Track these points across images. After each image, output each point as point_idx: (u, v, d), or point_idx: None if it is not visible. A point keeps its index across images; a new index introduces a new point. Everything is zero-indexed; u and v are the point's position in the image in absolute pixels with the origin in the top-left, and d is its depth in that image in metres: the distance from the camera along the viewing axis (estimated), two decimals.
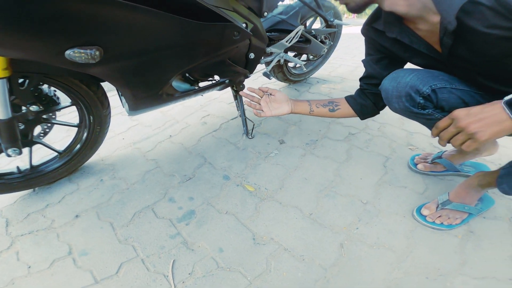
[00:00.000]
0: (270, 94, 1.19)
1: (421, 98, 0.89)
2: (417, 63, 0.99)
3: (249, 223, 1.11)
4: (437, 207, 1.07)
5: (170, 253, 1.01)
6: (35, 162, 1.28)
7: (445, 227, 1.04)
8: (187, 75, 1.35)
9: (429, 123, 0.95)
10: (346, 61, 3.39)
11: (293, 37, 1.67)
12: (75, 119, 1.29)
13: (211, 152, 1.56)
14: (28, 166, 1.23)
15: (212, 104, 2.19)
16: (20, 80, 1.03)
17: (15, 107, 1.05)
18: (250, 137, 1.67)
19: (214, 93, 2.36)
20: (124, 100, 1.17)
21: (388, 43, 1.00)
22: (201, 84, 1.41)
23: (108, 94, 1.30)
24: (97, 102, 1.20)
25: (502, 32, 0.68)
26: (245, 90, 1.21)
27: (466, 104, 0.87)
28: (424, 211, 1.08)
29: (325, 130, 1.72)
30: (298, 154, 1.51)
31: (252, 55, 1.35)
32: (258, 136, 1.69)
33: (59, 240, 1.07)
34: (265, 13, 1.34)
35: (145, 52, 0.96)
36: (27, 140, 1.18)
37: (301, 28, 1.67)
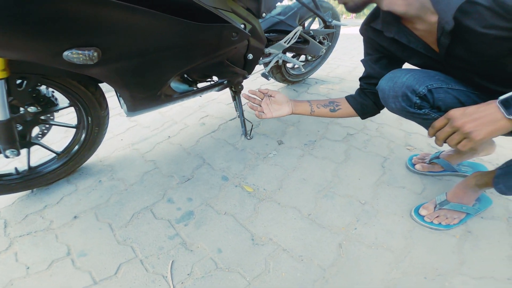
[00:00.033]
0: (270, 96, 1.19)
1: (417, 98, 0.90)
2: (415, 63, 1.00)
3: (247, 224, 1.11)
4: (435, 207, 1.08)
5: (169, 254, 1.01)
6: (33, 163, 1.28)
7: (443, 227, 1.04)
8: (185, 76, 1.35)
9: (425, 123, 0.95)
10: (345, 61, 3.40)
11: (292, 38, 1.67)
12: (73, 120, 1.29)
13: (209, 153, 1.56)
14: (26, 167, 1.23)
15: (211, 105, 2.19)
16: (18, 81, 1.03)
17: (13, 108, 1.05)
18: (248, 138, 1.68)
19: (212, 94, 2.36)
20: (122, 101, 1.17)
21: (386, 42, 1.00)
22: (200, 85, 1.41)
23: (107, 95, 1.30)
24: (95, 103, 1.20)
25: (499, 32, 0.69)
26: (246, 92, 1.21)
27: (463, 104, 0.88)
28: (422, 211, 1.08)
29: (323, 130, 1.73)
30: (297, 155, 1.51)
31: (250, 56, 1.36)
32: (256, 137, 1.69)
33: (58, 241, 1.07)
34: (264, 14, 1.34)
35: (143, 53, 0.96)
36: (25, 141, 1.18)
37: (299, 29, 1.67)
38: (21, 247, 1.06)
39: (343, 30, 6.69)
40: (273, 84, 2.58)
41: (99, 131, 1.30)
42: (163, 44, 0.97)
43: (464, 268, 0.92)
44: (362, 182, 1.30)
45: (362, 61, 1.18)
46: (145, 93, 1.13)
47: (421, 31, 0.86)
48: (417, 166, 1.32)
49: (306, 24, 2.10)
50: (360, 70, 2.93)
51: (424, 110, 0.91)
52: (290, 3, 1.85)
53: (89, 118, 1.24)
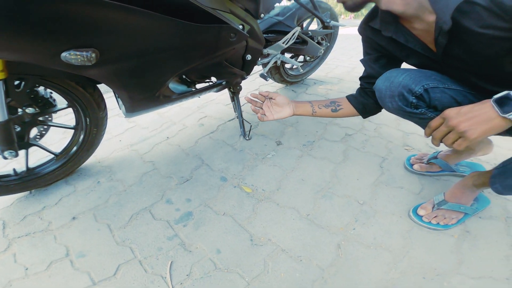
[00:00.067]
0: (271, 98, 1.19)
1: (413, 97, 0.90)
2: (412, 63, 1.00)
3: (246, 224, 1.11)
4: (433, 207, 1.08)
5: (168, 255, 1.01)
6: (32, 164, 1.28)
7: (441, 227, 1.04)
8: (184, 76, 1.35)
9: (422, 122, 0.96)
10: (343, 62, 3.40)
11: (290, 39, 1.68)
12: (72, 121, 1.29)
13: (208, 153, 1.56)
14: (24, 168, 1.23)
15: (209, 105, 2.19)
16: (16, 82, 1.03)
17: (11, 109, 1.05)
18: (247, 138, 1.68)
19: (211, 95, 2.36)
20: (120, 102, 1.17)
21: (384, 42, 1.01)
22: (198, 86, 1.41)
23: (105, 96, 1.30)
24: (93, 104, 1.20)
25: (496, 32, 0.69)
26: (249, 96, 1.21)
27: (459, 104, 0.88)
28: (420, 211, 1.08)
29: (322, 131, 1.73)
30: (295, 155, 1.52)
31: (249, 57, 1.36)
32: (255, 138, 1.69)
33: (56, 242, 1.07)
34: (262, 15, 1.34)
35: (141, 54, 0.96)
36: (23, 142, 1.17)
37: (297, 29, 1.68)
38: (20, 248, 1.05)
39: (341, 31, 6.70)
40: (272, 85, 2.58)
41: (97, 132, 1.30)
42: (161, 45, 0.97)
43: (462, 268, 0.92)
44: (360, 182, 1.30)
45: (361, 60, 1.18)
46: (143, 94, 1.13)
47: (419, 30, 0.86)
48: (415, 166, 1.33)
49: (304, 25, 2.10)
50: (359, 70, 2.94)
51: (420, 109, 0.92)
52: (288, 3, 1.85)
53: (88, 119, 1.23)
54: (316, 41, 2.06)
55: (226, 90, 1.65)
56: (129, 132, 1.83)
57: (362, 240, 1.04)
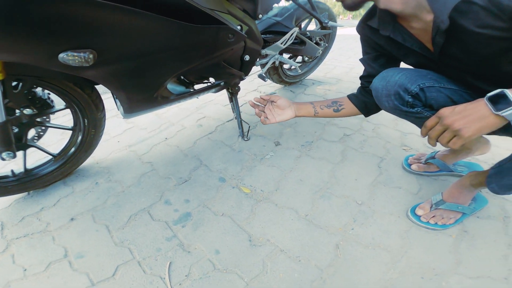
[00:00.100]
0: (273, 101, 1.19)
1: (409, 96, 0.91)
2: (410, 62, 1.01)
3: (245, 225, 1.11)
4: (431, 207, 1.08)
5: (167, 255, 1.01)
6: (30, 165, 1.27)
7: (439, 227, 1.05)
8: (182, 77, 1.35)
9: (419, 121, 0.96)
10: (341, 62, 3.41)
11: (288, 39, 1.68)
12: (70, 122, 1.29)
13: (206, 154, 1.56)
14: (22, 170, 1.23)
15: (208, 106, 2.19)
16: (14, 83, 1.03)
17: (8, 110, 1.05)
18: (245, 139, 1.68)
19: (209, 95, 2.36)
20: (119, 103, 1.17)
21: (382, 41, 1.01)
22: (197, 87, 1.41)
23: (103, 97, 1.30)
24: (91, 105, 1.20)
25: (494, 31, 0.70)
26: (252, 100, 1.20)
27: (455, 103, 0.88)
28: (418, 211, 1.09)
29: (320, 131, 1.73)
30: (294, 156, 1.52)
31: (247, 57, 1.36)
32: (253, 138, 1.69)
33: (55, 243, 1.07)
34: (260, 15, 1.34)
35: (139, 55, 0.96)
36: (21, 144, 1.17)
37: (296, 30, 1.68)
38: (18, 249, 1.05)
39: (339, 31, 6.71)
40: (270, 85, 2.59)
41: (95, 133, 1.30)
42: (159, 46, 0.97)
43: (460, 267, 0.93)
44: (358, 182, 1.30)
45: (361, 60, 1.18)
46: (141, 95, 1.13)
47: (417, 29, 0.87)
48: (413, 166, 1.33)
49: (302, 25, 2.11)
50: (357, 71, 2.95)
51: (416, 108, 0.92)
52: (286, 4, 1.85)
53: (86, 120, 1.23)
54: (314, 41, 2.06)
55: (224, 91, 1.65)
56: (128, 133, 1.83)
57: (360, 240, 1.04)
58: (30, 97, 1.09)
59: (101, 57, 0.86)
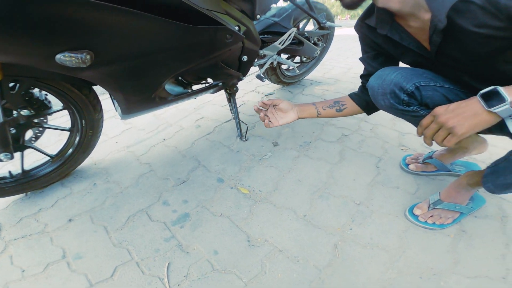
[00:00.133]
0: (275, 105, 1.18)
1: (405, 95, 0.91)
2: (407, 61, 1.01)
3: (243, 225, 1.11)
4: (428, 207, 1.08)
5: (165, 256, 1.01)
6: (27, 166, 1.27)
7: (437, 226, 1.05)
8: (180, 78, 1.35)
9: (415, 120, 0.96)
10: (339, 62, 3.41)
11: (286, 40, 1.68)
12: (67, 123, 1.28)
13: (205, 155, 1.56)
14: (20, 171, 1.22)
15: (206, 106, 2.19)
16: (11, 84, 1.03)
17: (6, 112, 1.05)
18: (244, 139, 1.68)
19: (207, 96, 2.36)
20: (116, 104, 1.16)
21: (380, 39, 1.01)
22: (195, 87, 1.41)
23: (101, 98, 1.30)
24: (89, 106, 1.19)
25: (490, 31, 0.70)
26: (256, 105, 1.19)
27: (450, 102, 0.88)
28: (416, 211, 1.09)
29: (318, 131, 1.73)
30: (292, 156, 1.52)
31: (245, 58, 1.36)
32: (252, 139, 1.69)
33: (53, 244, 1.07)
34: (258, 16, 1.34)
35: (137, 56, 0.96)
36: (18, 145, 1.17)
37: (293, 30, 1.68)
38: (16, 250, 1.05)
39: (337, 31, 6.72)
40: (268, 86, 2.59)
41: (93, 134, 1.30)
42: (157, 47, 0.97)
43: (458, 267, 0.93)
44: (356, 182, 1.31)
45: (360, 58, 1.18)
46: (139, 96, 1.13)
47: (414, 28, 0.87)
48: (411, 166, 1.33)
49: (300, 26, 2.11)
50: (355, 71, 2.96)
51: (412, 107, 0.93)
52: (284, 4, 1.85)
53: (83, 121, 1.23)
54: (312, 42, 2.06)
55: (222, 92, 1.65)
56: (125, 133, 1.83)
57: (359, 240, 1.04)
58: (27, 98, 1.09)
59: (98, 58, 0.86)
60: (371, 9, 1.00)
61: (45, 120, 1.24)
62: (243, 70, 1.43)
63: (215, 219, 1.15)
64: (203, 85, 1.43)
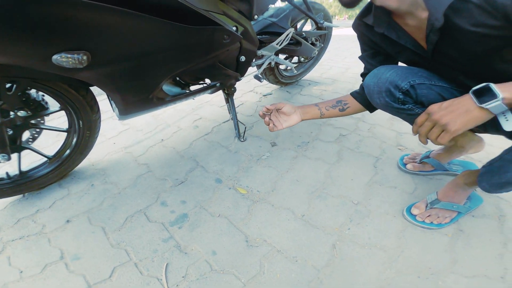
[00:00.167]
0: (278, 109, 1.18)
1: (400, 93, 0.92)
2: (403, 60, 1.01)
3: (241, 226, 1.11)
4: (426, 207, 1.09)
5: (163, 257, 1.00)
6: (25, 167, 1.27)
7: (435, 226, 1.05)
8: (177, 78, 1.35)
9: (411, 118, 0.97)
10: (337, 62, 3.42)
11: (284, 40, 1.68)
12: (64, 124, 1.28)
13: (203, 155, 1.56)
14: (17, 172, 1.22)
15: (204, 107, 2.19)
16: (8, 85, 1.02)
17: (3, 112, 1.04)
18: (242, 140, 1.68)
19: (206, 96, 2.36)
20: (114, 105, 1.16)
21: (377, 38, 1.01)
22: (192, 88, 1.41)
23: (98, 98, 1.30)
24: (86, 107, 1.19)
25: (486, 30, 0.70)
26: (262, 111, 1.19)
27: (445, 100, 0.89)
28: (414, 211, 1.09)
29: (316, 132, 1.74)
30: (290, 156, 1.52)
31: (243, 58, 1.36)
32: (250, 139, 1.69)
33: (51, 245, 1.06)
34: (256, 16, 1.34)
35: (134, 57, 0.95)
36: (15, 146, 1.16)
37: (291, 30, 1.68)
38: (14, 251, 1.05)
39: (335, 32, 6.74)
40: (266, 86, 2.59)
41: (90, 135, 1.29)
42: (154, 47, 0.97)
43: (456, 266, 0.93)
44: (354, 182, 1.31)
45: (360, 57, 1.18)
46: (136, 97, 1.13)
47: (411, 27, 0.87)
48: (408, 166, 1.33)
49: (298, 26, 2.11)
50: (353, 71, 2.96)
51: (407, 105, 0.93)
52: (282, 5, 1.85)
53: (80, 122, 1.23)
54: (310, 42, 2.06)
55: (220, 92, 1.65)
56: (123, 134, 1.82)
57: (357, 240, 1.04)
58: (24, 99, 1.08)
59: (95, 59, 0.86)
60: (369, 8, 1.00)
61: (42, 121, 1.24)
62: (241, 70, 1.43)
63: (213, 220, 1.15)
64: (201, 86, 1.42)
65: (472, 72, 0.84)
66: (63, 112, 1.21)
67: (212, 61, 1.21)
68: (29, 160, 1.50)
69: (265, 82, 2.50)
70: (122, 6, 0.79)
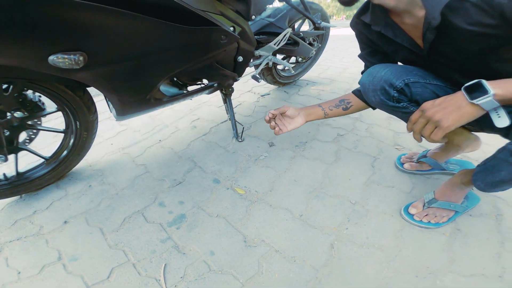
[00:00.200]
0: (282, 113, 1.17)
1: (395, 91, 0.92)
2: (400, 58, 1.02)
3: (240, 226, 1.11)
4: (423, 206, 1.09)
5: (162, 257, 1.00)
6: (22, 168, 1.26)
7: (432, 225, 1.05)
8: (175, 79, 1.35)
9: (406, 116, 0.97)
10: (335, 62, 3.42)
11: (281, 40, 1.68)
12: (61, 125, 1.28)
13: (201, 156, 1.56)
14: (14, 173, 1.22)
15: (202, 107, 2.19)
16: (4, 86, 1.02)
17: None
18: (239, 140, 1.68)
19: (203, 97, 2.35)
20: (111, 105, 1.16)
21: (375, 36, 1.02)
22: (190, 88, 1.41)
23: (95, 99, 1.29)
24: (83, 107, 1.19)
25: (482, 29, 0.71)
26: (268, 116, 1.18)
27: None
28: (412, 210, 1.09)
29: (314, 132, 1.74)
30: (288, 156, 1.52)
31: (240, 58, 1.36)
32: (247, 139, 1.69)
33: (48, 246, 1.06)
34: (253, 16, 1.34)
35: (131, 57, 0.95)
36: (12, 147, 1.16)
37: (289, 30, 1.68)
38: (12, 252, 1.04)
39: (333, 32, 6.74)
40: (264, 86, 2.59)
41: (88, 136, 1.29)
42: (151, 48, 0.97)
43: (454, 266, 0.93)
44: (352, 182, 1.31)
45: (359, 55, 1.18)
46: (134, 97, 1.12)
47: (408, 25, 0.88)
48: (406, 165, 1.34)
49: (295, 26, 2.11)
50: (351, 71, 2.97)
51: (402, 103, 0.94)
52: (279, 5, 1.85)
53: (78, 123, 1.22)
54: (307, 42, 2.07)
55: (218, 92, 1.65)
56: (121, 135, 1.82)
57: (355, 239, 1.04)
58: (20, 100, 1.08)
59: (91, 59, 0.85)
60: (367, 6, 1.01)
61: (39, 122, 1.23)
62: (238, 70, 1.43)
63: (211, 220, 1.14)
64: (199, 86, 1.42)
65: (468, 71, 0.84)
66: (60, 113, 1.21)
67: (210, 61, 1.21)
68: (26, 161, 1.49)
69: (263, 82, 2.50)
70: (118, 7, 0.78)
